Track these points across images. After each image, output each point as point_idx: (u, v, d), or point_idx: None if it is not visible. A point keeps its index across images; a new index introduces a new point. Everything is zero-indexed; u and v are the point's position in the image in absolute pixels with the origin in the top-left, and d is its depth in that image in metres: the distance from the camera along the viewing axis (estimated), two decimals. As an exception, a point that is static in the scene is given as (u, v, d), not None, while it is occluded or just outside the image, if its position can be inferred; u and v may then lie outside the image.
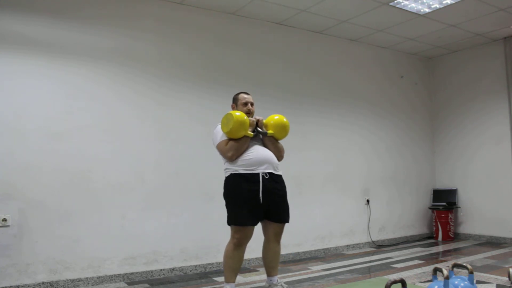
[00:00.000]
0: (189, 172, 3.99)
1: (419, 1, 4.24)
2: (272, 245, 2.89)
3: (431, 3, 4.27)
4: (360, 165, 5.27)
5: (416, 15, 4.51)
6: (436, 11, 4.41)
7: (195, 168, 4.01)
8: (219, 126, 2.88)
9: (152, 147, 3.85)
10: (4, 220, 3.18)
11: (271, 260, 2.91)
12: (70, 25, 3.56)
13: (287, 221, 2.91)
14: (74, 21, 3.58)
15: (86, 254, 3.45)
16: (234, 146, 2.77)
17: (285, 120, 2.99)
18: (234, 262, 2.76)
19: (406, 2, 4.23)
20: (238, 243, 2.73)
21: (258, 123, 2.92)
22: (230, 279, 2.78)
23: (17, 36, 3.34)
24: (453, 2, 4.21)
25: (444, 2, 4.24)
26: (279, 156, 2.97)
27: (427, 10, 4.40)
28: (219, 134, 2.87)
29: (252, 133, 2.82)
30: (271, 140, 2.94)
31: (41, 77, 3.42)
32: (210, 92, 4.19)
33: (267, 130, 2.93)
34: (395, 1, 4.18)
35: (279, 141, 3.03)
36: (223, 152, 2.82)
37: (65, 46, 3.52)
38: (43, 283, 3.25)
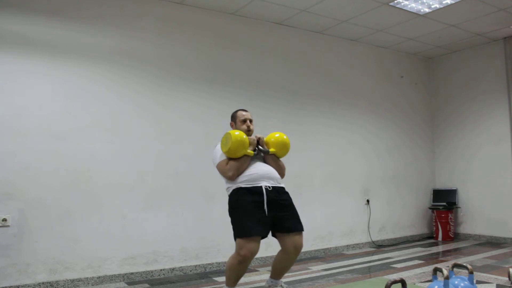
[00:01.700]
0: (189, 172, 3.99)
1: (419, 1, 4.24)
2: (291, 257, 2.78)
3: (431, 3, 4.27)
4: (360, 165, 5.27)
5: (416, 15, 4.51)
6: (436, 11, 4.42)
7: (195, 168, 4.01)
8: (219, 145, 2.85)
9: (152, 147, 3.85)
10: (4, 220, 3.18)
11: (284, 268, 2.85)
12: (70, 25, 3.56)
13: (300, 229, 2.79)
14: (74, 21, 3.59)
15: (86, 254, 3.45)
16: (235, 165, 2.73)
17: (285, 137, 2.97)
18: (238, 274, 2.71)
19: (406, 2, 4.23)
20: (243, 261, 2.61)
21: (259, 141, 2.90)
22: (231, 285, 2.75)
23: (17, 36, 3.34)
24: (453, 2, 4.21)
25: (444, 2, 4.24)
26: (281, 174, 2.95)
27: (427, 10, 4.40)
28: (219, 154, 2.83)
29: (252, 152, 2.80)
30: (272, 158, 2.92)
31: (41, 77, 3.42)
32: (210, 92, 4.19)
33: (268, 148, 2.91)
34: (395, 1, 4.18)
35: (280, 159, 3.00)
36: (223, 172, 2.79)
37: (65, 46, 3.52)
38: (43, 283, 3.25)
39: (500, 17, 4.57)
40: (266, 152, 2.89)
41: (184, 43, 4.12)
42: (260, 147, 2.89)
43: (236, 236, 2.67)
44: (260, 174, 2.76)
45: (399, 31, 5.01)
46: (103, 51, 3.69)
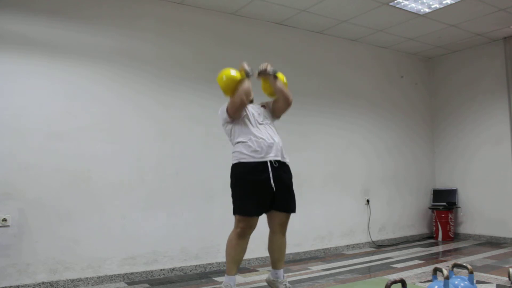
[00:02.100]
0: (189, 172, 3.99)
1: (419, 1, 4.24)
2: (277, 236, 2.88)
3: (431, 3, 4.27)
4: (360, 165, 5.27)
5: (416, 15, 4.51)
6: (436, 11, 4.42)
7: (195, 168, 4.01)
8: (223, 106, 2.92)
9: (152, 147, 3.85)
10: (4, 220, 3.18)
11: (277, 251, 2.89)
12: (70, 25, 3.56)
13: (294, 211, 2.88)
14: (74, 21, 3.58)
15: (86, 254, 3.45)
16: (236, 94, 2.80)
17: (284, 79, 3.08)
18: (237, 253, 2.73)
19: (406, 2, 4.23)
20: (242, 233, 2.71)
21: (266, 69, 2.95)
22: (231, 271, 2.74)
23: (17, 36, 3.34)
24: (453, 2, 4.21)
25: (444, 2, 4.24)
26: (288, 94, 2.99)
27: (427, 10, 4.40)
28: (222, 108, 2.91)
29: (244, 74, 2.86)
30: (278, 81, 2.96)
31: (41, 77, 3.42)
32: (210, 92, 4.18)
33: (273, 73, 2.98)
34: (395, 1, 4.19)
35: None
36: (235, 104, 2.79)
37: (65, 46, 3.52)
38: (43, 283, 3.25)
39: (500, 17, 4.57)
40: (273, 75, 2.96)
41: (184, 43, 4.12)
42: (267, 71, 2.96)
43: (236, 213, 2.75)
44: (267, 144, 2.76)
45: (399, 31, 5.02)
46: (103, 51, 3.69)
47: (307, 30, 4.93)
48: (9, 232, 3.19)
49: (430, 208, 5.84)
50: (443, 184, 5.95)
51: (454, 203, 5.66)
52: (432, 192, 5.95)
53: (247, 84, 2.83)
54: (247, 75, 2.87)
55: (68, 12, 3.57)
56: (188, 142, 4.02)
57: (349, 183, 5.14)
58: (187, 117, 4.06)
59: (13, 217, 3.21)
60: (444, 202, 5.70)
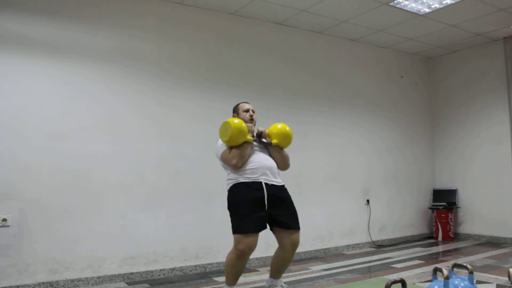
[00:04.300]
0: (189, 172, 3.99)
1: (419, 1, 4.24)
2: (287, 254, 2.80)
3: (431, 3, 4.27)
4: (360, 165, 5.27)
5: (416, 15, 4.51)
6: (436, 11, 4.42)
7: (195, 168, 4.01)
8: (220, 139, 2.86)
9: (152, 147, 3.85)
10: (4, 220, 3.18)
11: (281, 265, 2.85)
12: (70, 25, 3.56)
13: (298, 227, 2.82)
14: (74, 21, 3.59)
15: (86, 254, 3.45)
16: (237, 152, 2.71)
17: (288, 128, 2.95)
18: (237, 271, 2.71)
19: (406, 2, 4.23)
20: (241, 255, 2.64)
21: (261, 134, 2.89)
22: (231, 283, 2.75)
23: (17, 36, 3.34)
24: (453, 2, 4.21)
25: (444, 2, 4.24)
26: (286, 164, 2.95)
27: (427, 10, 4.40)
28: (220, 144, 2.83)
29: (252, 138, 2.78)
30: (276, 149, 2.91)
31: (41, 77, 3.42)
32: (210, 92, 4.19)
33: (271, 140, 2.89)
34: (395, 1, 4.19)
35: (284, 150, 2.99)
36: (227, 161, 2.76)
37: (65, 46, 3.52)
38: (43, 283, 3.25)
39: (500, 17, 4.57)
40: (269, 144, 2.88)
41: (184, 43, 4.12)
42: (263, 139, 2.88)
43: (234, 232, 2.69)
44: (261, 167, 2.74)
45: (399, 31, 5.02)
46: (103, 51, 3.69)
47: (307, 30, 4.93)
48: (9, 232, 3.19)
49: (430, 208, 5.84)
50: (443, 184, 5.95)
51: (454, 203, 5.66)
52: (432, 192, 5.95)
53: (248, 150, 2.76)
54: (253, 139, 2.81)
55: (68, 12, 3.57)
56: (188, 142, 4.02)
57: (349, 183, 5.14)
58: (187, 117, 4.06)
59: (13, 217, 3.21)
60: (444, 202, 5.70)
